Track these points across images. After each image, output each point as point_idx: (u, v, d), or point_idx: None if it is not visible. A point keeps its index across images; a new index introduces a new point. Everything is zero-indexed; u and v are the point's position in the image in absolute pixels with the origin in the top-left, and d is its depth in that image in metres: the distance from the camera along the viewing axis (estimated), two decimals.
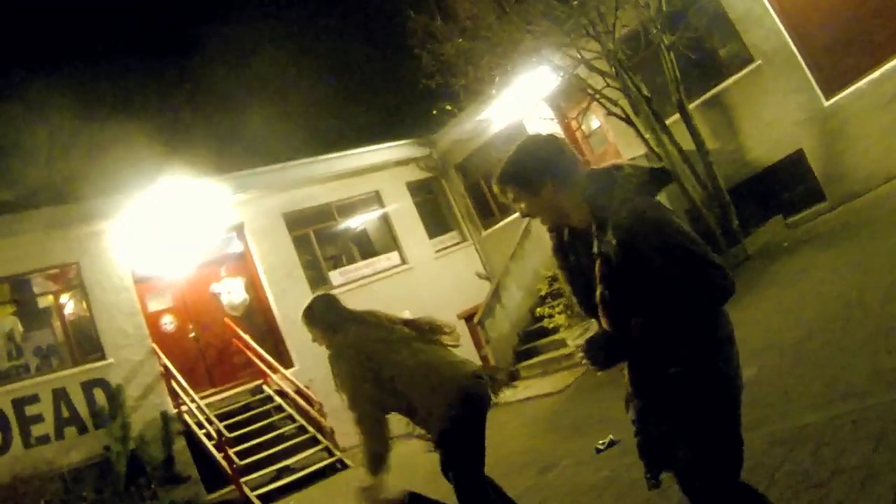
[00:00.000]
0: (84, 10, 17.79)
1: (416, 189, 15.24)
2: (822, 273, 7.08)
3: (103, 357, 10.60)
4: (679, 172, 9.70)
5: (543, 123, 12.27)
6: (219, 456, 9.84)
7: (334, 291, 12.34)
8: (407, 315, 3.70)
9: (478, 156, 14.78)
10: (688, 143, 9.94)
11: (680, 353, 1.98)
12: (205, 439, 10.11)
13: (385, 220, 14.62)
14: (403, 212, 14.71)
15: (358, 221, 14.68)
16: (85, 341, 10.86)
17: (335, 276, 13.48)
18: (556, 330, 9.97)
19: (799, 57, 9.77)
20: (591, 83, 10.35)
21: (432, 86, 11.35)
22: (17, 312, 10.75)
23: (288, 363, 11.75)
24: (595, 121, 12.85)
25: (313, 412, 10.73)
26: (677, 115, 10.06)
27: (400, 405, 3.33)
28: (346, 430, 10.00)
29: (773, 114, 10.33)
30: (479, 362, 10.80)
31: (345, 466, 10.00)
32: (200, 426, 10.15)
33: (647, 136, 10.10)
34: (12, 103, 15.56)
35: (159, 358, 10.84)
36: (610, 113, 10.41)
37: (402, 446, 3.50)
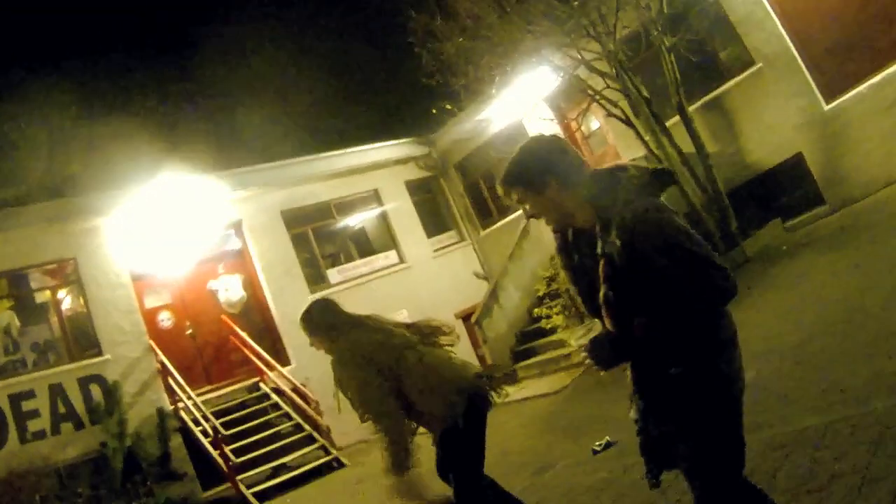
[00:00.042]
0: (84, 9, 17.72)
1: (415, 188, 15.23)
2: (822, 276, 7.08)
3: (100, 353, 10.58)
4: (679, 175, 9.70)
5: (543, 124, 12.25)
6: (215, 453, 9.83)
7: (332, 290, 12.48)
8: (404, 314, 3.71)
9: (477, 155, 14.77)
10: (687, 146, 9.95)
11: (682, 354, 1.98)
12: (201, 436, 10.10)
13: (383, 218, 14.60)
14: (402, 211, 14.70)
15: (356, 220, 14.65)
16: (82, 337, 10.84)
17: (333, 275, 13.46)
18: (553, 330, 9.96)
19: (800, 60, 9.76)
20: (592, 84, 10.35)
21: (432, 85, 11.33)
22: (14, 307, 10.73)
23: (285, 361, 11.72)
24: (595, 122, 12.84)
25: (310, 410, 10.72)
26: (677, 118, 10.07)
27: (401, 406, 3.33)
28: (342, 429, 10.02)
29: (774, 117, 10.33)
30: (476, 362, 10.79)
31: (341, 465, 10.00)
32: (197, 423, 10.14)
33: (646, 137, 10.10)
34: (11, 100, 15.54)
35: (156, 355, 10.82)
36: (610, 114, 10.41)
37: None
